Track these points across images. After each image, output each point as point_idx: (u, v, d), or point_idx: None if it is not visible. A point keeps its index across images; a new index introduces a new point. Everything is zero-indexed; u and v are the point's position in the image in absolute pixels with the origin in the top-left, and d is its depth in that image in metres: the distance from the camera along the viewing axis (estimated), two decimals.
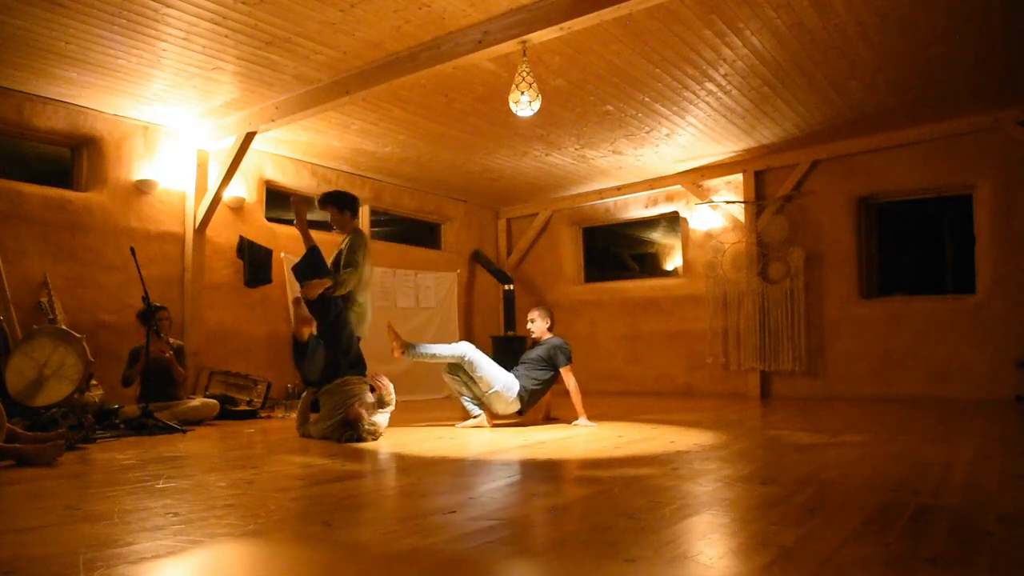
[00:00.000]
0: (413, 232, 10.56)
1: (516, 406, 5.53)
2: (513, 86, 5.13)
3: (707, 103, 6.70)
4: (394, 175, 9.10)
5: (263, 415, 6.65)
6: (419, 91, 6.26)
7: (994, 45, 5.60)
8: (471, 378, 5.45)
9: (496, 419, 5.60)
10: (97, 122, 6.60)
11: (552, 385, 5.75)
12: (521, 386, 5.50)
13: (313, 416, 5.00)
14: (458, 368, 5.50)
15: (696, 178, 9.09)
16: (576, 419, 5.61)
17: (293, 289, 7.14)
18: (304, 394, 5.20)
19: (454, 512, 2.56)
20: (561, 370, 5.62)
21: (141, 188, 6.88)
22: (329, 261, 5.17)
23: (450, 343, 5.55)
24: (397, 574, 1.88)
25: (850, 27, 5.23)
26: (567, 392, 5.65)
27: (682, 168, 8.97)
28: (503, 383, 5.40)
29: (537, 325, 5.85)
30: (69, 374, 4.94)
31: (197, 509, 2.63)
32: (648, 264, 12.37)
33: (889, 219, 8.58)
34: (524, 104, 5.12)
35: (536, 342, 5.86)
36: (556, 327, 10.42)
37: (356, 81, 5.81)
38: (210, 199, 7.09)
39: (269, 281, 7.79)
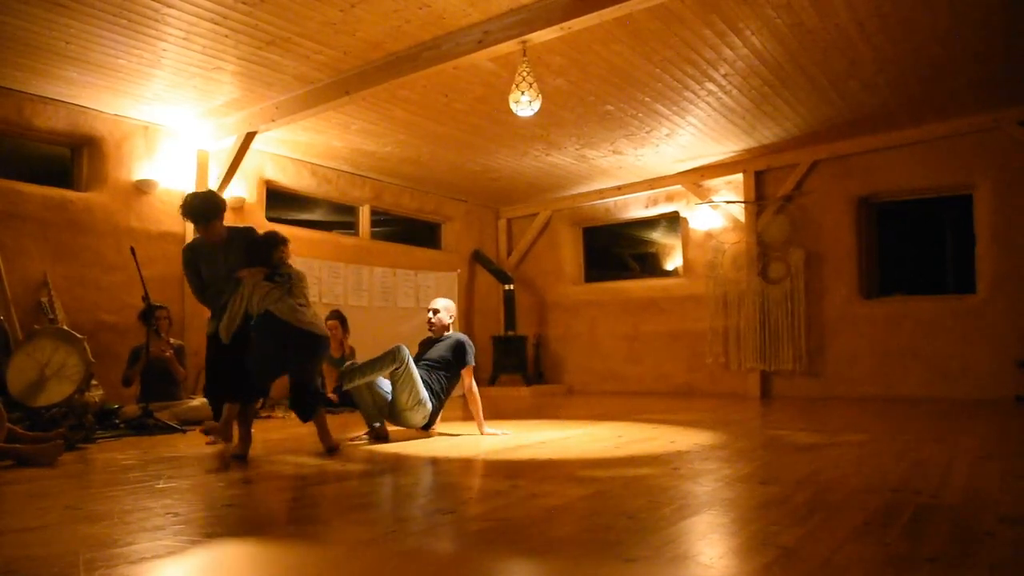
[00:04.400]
0: (413, 232, 10.55)
1: (425, 420, 4.81)
2: (513, 86, 5.13)
3: (707, 103, 6.69)
4: (394, 175, 9.10)
5: (263, 415, 6.65)
6: (419, 91, 6.26)
7: (994, 45, 5.59)
8: (395, 386, 4.65)
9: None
10: (97, 122, 6.60)
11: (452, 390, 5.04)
12: (430, 398, 4.77)
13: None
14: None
15: (696, 178, 9.09)
16: (483, 429, 4.92)
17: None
18: None
19: (454, 512, 2.56)
20: (463, 371, 4.91)
21: (141, 188, 6.88)
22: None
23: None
24: (397, 574, 1.88)
25: (850, 27, 5.23)
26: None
27: (682, 168, 8.96)
28: (426, 394, 4.70)
29: (440, 318, 5.07)
30: (70, 375, 4.94)
31: (197, 509, 2.63)
32: (648, 264, 12.37)
33: (889, 219, 8.58)
34: (524, 104, 5.13)
35: (431, 339, 5.13)
36: (557, 327, 10.59)
37: (356, 81, 5.81)
38: None
39: None
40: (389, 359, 4.59)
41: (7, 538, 2.21)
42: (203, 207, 4.22)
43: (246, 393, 4.14)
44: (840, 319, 8.21)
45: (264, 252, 4.25)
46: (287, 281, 4.16)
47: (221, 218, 4.26)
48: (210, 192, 4.50)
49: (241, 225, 4.50)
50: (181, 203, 4.31)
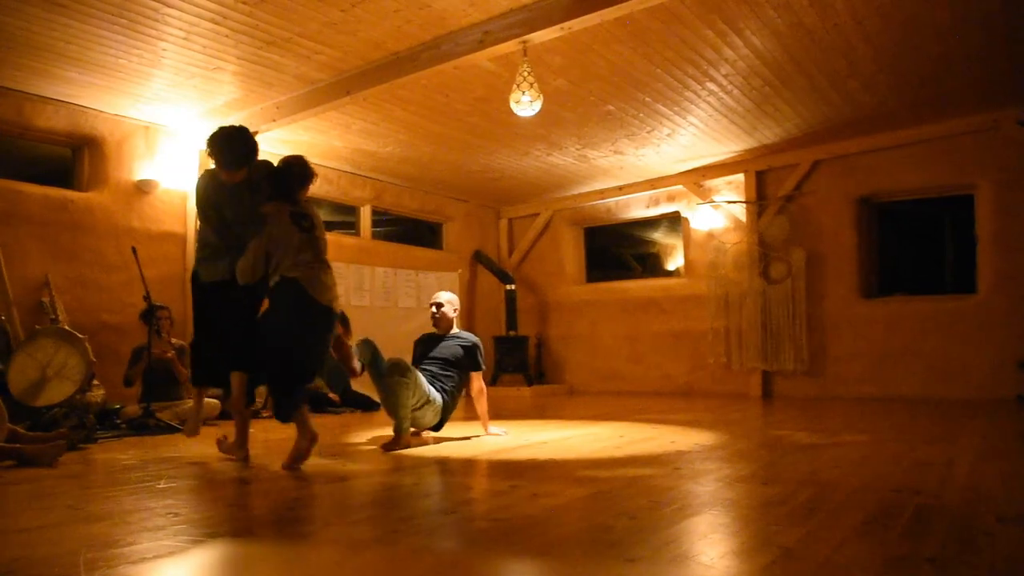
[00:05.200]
0: (414, 232, 10.55)
1: (436, 419, 4.64)
2: (514, 86, 5.14)
3: (708, 103, 6.69)
4: (395, 175, 9.10)
5: (264, 415, 6.64)
6: (420, 91, 6.26)
7: (994, 45, 5.59)
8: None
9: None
10: (98, 122, 6.60)
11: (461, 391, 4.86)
12: (441, 397, 4.59)
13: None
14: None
15: (697, 178, 9.08)
16: (488, 429, 4.83)
17: None
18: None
19: (454, 512, 2.56)
20: (473, 373, 4.75)
21: (142, 188, 6.88)
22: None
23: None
24: (397, 574, 1.88)
25: (850, 27, 5.22)
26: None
27: (683, 168, 8.96)
28: (434, 393, 4.52)
29: (445, 312, 4.81)
30: (71, 375, 4.94)
31: (198, 509, 2.63)
32: (650, 264, 12.37)
33: (890, 219, 8.58)
34: (525, 104, 5.13)
35: (435, 335, 4.87)
36: (558, 327, 10.59)
37: (357, 81, 5.82)
38: None
39: None
40: (404, 385, 4.27)
41: (8, 538, 2.21)
42: (244, 149, 3.73)
43: (254, 365, 3.73)
44: (841, 319, 8.20)
45: (291, 185, 3.79)
46: (312, 225, 3.76)
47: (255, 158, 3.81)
48: (244, 129, 3.86)
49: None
50: (211, 140, 3.72)
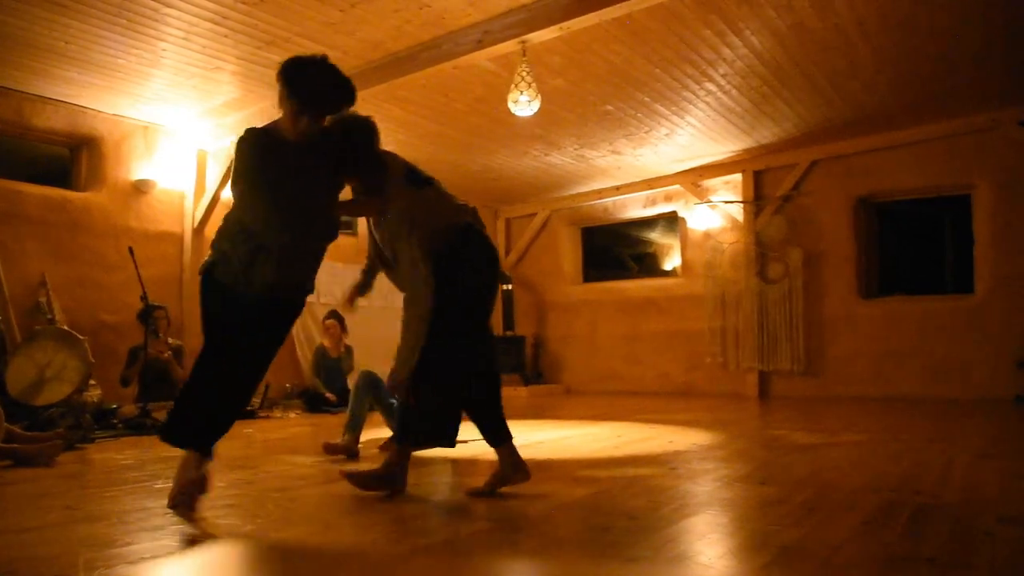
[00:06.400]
0: None
1: None
2: (512, 86, 5.14)
3: (706, 103, 6.69)
4: None
5: (262, 415, 6.64)
6: (419, 91, 6.26)
7: (994, 45, 5.60)
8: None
9: None
10: (96, 122, 6.59)
11: None
12: None
13: None
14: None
15: (695, 178, 9.09)
16: None
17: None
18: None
19: (454, 512, 2.56)
20: None
21: (140, 188, 6.87)
22: None
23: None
24: (397, 574, 1.88)
25: (850, 27, 5.23)
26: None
27: (681, 168, 8.96)
28: None
29: None
30: (70, 376, 4.94)
31: (196, 509, 2.62)
32: (647, 264, 12.37)
33: (888, 219, 8.59)
34: (523, 104, 5.13)
35: None
36: (556, 327, 10.58)
37: (356, 81, 5.64)
38: (209, 199, 7.09)
39: None
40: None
41: (6, 538, 2.21)
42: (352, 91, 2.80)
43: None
44: (839, 319, 8.21)
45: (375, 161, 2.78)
46: (428, 174, 2.92)
47: None
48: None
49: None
50: (314, 68, 2.78)
